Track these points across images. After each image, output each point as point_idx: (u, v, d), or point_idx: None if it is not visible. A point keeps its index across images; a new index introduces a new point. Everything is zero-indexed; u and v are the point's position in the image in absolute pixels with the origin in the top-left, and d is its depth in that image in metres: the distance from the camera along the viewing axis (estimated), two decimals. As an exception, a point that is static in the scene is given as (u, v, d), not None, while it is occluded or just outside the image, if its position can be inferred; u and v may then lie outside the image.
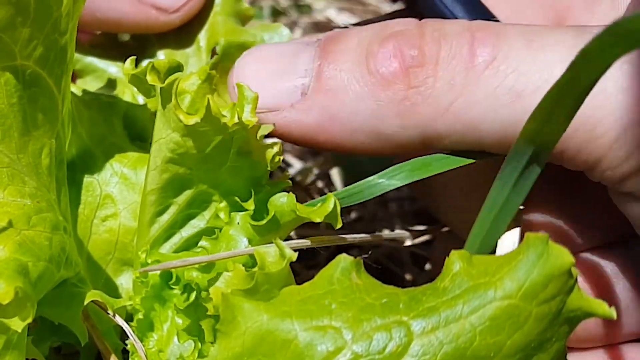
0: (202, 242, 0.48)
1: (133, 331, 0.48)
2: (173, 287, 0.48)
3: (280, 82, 0.48)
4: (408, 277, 0.71)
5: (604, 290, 0.48)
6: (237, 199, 0.48)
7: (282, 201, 0.47)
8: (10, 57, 0.44)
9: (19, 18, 0.43)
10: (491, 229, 0.42)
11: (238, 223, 0.47)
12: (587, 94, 0.37)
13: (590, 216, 0.50)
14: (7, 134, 0.44)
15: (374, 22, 0.50)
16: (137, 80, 0.48)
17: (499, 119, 0.44)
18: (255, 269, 0.42)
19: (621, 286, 0.49)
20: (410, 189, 0.78)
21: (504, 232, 0.44)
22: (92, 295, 0.46)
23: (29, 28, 0.44)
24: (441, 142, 0.46)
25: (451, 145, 0.46)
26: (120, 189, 0.52)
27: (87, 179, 0.52)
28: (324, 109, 0.47)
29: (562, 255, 0.34)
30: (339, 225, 0.47)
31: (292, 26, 1.11)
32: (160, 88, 0.46)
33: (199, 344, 0.47)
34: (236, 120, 0.45)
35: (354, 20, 1.15)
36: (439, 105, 0.45)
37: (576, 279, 0.35)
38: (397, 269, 0.72)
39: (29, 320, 0.40)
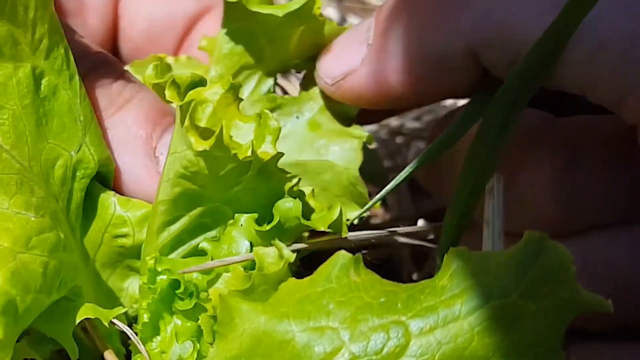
0: (204, 244, 0.48)
1: (137, 334, 0.47)
2: (180, 295, 0.47)
3: (351, 46, 0.52)
4: (407, 277, 0.70)
5: None
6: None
7: (288, 206, 0.45)
8: (23, 56, 0.43)
9: (26, 17, 0.43)
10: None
11: (241, 225, 0.46)
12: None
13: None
14: (20, 139, 0.44)
15: None
16: (159, 89, 0.46)
17: (538, 28, 0.43)
18: (255, 270, 0.42)
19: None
20: (410, 189, 0.78)
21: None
22: (85, 311, 0.45)
23: (37, 27, 0.43)
24: (487, 57, 0.46)
25: (497, 64, 0.46)
26: (136, 211, 0.50)
27: (105, 194, 0.50)
28: (385, 50, 0.49)
29: (560, 253, 0.34)
30: (345, 234, 0.47)
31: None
32: (179, 105, 0.44)
33: (198, 345, 0.46)
34: (249, 153, 0.43)
35: (354, 19, 1.15)
36: (478, 13, 0.45)
37: (574, 275, 0.35)
38: (396, 268, 0.72)
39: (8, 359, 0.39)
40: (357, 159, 0.53)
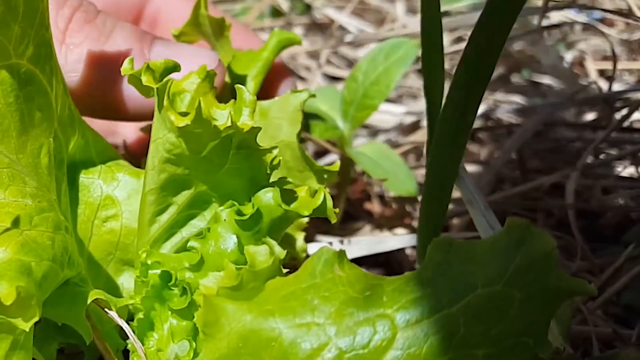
0: (192, 242, 0.48)
1: (133, 331, 0.47)
2: (172, 288, 0.47)
3: None
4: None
5: None
6: (235, 203, 0.47)
7: (268, 196, 0.46)
8: (5, 56, 0.44)
9: (10, 15, 0.43)
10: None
11: (225, 220, 0.46)
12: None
13: None
14: (5, 134, 0.44)
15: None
16: (135, 80, 0.47)
17: None
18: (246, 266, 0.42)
19: None
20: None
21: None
22: (95, 294, 0.46)
23: (20, 25, 0.44)
24: None
25: None
26: (122, 190, 0.52)
27: (88, 179, 0.52)
28: None
29: (543, 238, 0.34)
30: (334, 220, 0.47)
31: (291, 25, 1.11)
32: (156, 88, 0.45)
33: (194, 343, 0.46)
34: (229, 124, 0.44)
35: (355, 19, 1.15)
36: None
37: (556, 261, 0.34)
38: (396, 266, 0.71)
39: (36, 319, 0.39)
40: (297, 126, 0.54)
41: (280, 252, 0.41)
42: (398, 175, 0.69)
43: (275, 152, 0.47)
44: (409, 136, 0.89)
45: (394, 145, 0.88)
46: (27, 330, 0.39)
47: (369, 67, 0.72)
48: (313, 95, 0.55)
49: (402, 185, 0.68)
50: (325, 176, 0.53)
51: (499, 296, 0.34)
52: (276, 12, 1.12)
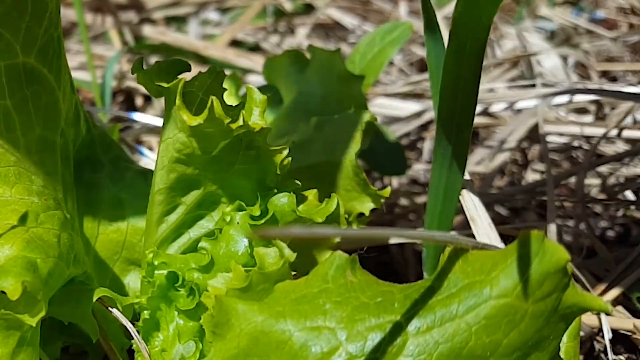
0: (202, 243, 0.48)
1: (139, 331, 0.48)
2: (179, 289, 0.47)
3: None
4: (412, 276, 0.70)
5: None
6: (243, 204, 0.48)
7: (283, 201, 0.46)
8: (11, 54, 0.44)
9: (17, 14, 0.43)
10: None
11: (238, 223, 0.46)
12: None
13: None
14: (12, 132, 0.44)
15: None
16: (146, 80, 0.47)
17: None
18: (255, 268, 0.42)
19: None
20: (409, 185, 0.78)
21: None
22: (100, 292, 0.46)
23: (28, 24, 0.44)
24: None
25: None
26: (129, 189, 0.52)
27: (95, 178, 0.52)
28: None
29: (558, 253, 0.33)
30: (345, 226, 0.47)
31: (295, 26, 1.11)
32: (167, 88, 0.45)
33: (200, 344, 0.47)
34: (241, 122, 0.44)
35: (357, 20, 1.15)
36: None
37: (571, 276, 0.34)
38: (400, 267, 0.71)
39: (42, 314, 0.40)
40: (356, 146, 0.54)
41: (290, 255, 0.41)
42: (389, 156, 0.69)
43: (285, 152, 0.47)
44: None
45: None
46: (34, 325, 0.39)
47: (366, 49, 0.74)
48: (375, 119, 0.55)
49: (390, 168, 0.68)
50: (382, 200, 0.53)
51: (512, 308, 0.34)
52: (279, 12, 1.12)
